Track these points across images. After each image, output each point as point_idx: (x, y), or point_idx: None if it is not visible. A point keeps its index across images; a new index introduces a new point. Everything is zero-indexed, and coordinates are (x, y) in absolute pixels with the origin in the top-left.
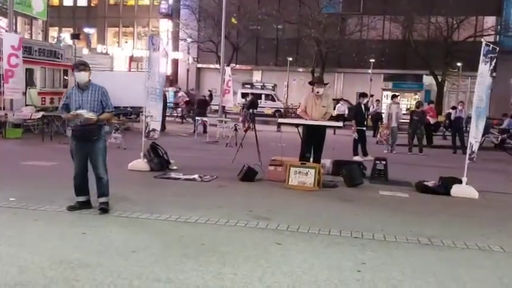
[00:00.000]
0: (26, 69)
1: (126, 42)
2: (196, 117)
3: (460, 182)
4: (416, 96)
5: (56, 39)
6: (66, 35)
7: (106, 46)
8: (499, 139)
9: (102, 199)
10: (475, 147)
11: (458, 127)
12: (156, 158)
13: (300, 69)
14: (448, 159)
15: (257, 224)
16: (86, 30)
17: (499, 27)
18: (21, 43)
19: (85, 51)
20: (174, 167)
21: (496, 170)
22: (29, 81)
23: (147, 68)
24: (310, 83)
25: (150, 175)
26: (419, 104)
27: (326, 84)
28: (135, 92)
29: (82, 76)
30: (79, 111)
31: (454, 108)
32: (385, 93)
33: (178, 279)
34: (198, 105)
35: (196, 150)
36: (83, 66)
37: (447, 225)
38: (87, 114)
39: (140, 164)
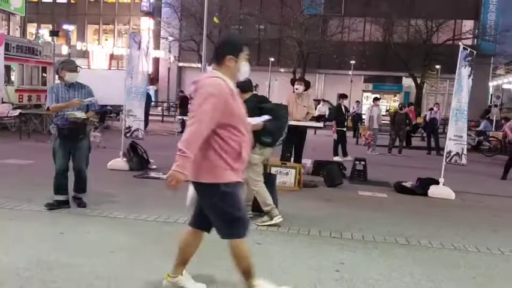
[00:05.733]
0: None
1: (107, 39)
2: (178, 117)
3: (437, 182)
4: (396, 98)
5: (34, 36)
6: (45, 32)
7: (86, 43)
8: (476, 141)
9: (81, 194)
10: (459, 150)
11: (433, 128)
12: (135, 157)
13: (282, 70)
14: (426, 160)
15: None
16: (66, 27)
17: (476, 31)
18: (3, 39)
19: (64, 48)
20: (154, 166)
21: (472, 171)
22: (6, 78)
23: (128, 66)
24: (292, 82)
25: (129, 174)
26: (402, 106)
27: (308, 83)
28: (114, 91)
29: (74, 76)
30: (71, 112)
31: (431, 109)
32: (365, 94)
33: (157, 280)
34: (181, 103)
35: (176, 149)
36: (75, 67)
37: (424, 225)
38: (80, 114)
39: (119, 163)
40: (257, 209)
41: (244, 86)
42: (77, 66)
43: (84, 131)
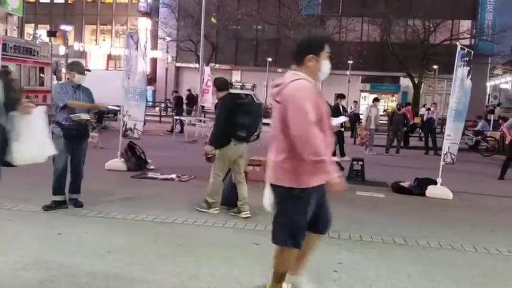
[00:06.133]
0: (1, 66)
1: (104, 40)
2: (175, 117)
3: (434, 182)
4: (394, 98)
5: (32, 36)
6: (42, 32)
7: (83, 44)
8: (474, 141)
9: (77, 195)
10: (452, 149)
11: (430, 128)
12: (133, 157)
13: (280, 70)
14: (424, 160)
15: (235, 224)
16: (63, 27)
17: (474, 31)
18: (1, 39)
19: (62, 49)
20: (152, 167)
21: (470, 171)
22: None
23: (126, 66)
24: None
25: (127, 175)
26: (400, 107)
27: None
28: (112, 91)
29: (82, 79)
30: (77, 114)
31: (429, 109)
32: (363, 94)
33: (154, 280)
34: (176, 103)
35: (174, 149)
36: (84, 69)
37: (422, 225)
38: (84, 116)
39: (117, 163)
40: (226, 202)
41: (221, 85)
42: (85, 69)
43: (88, 131)
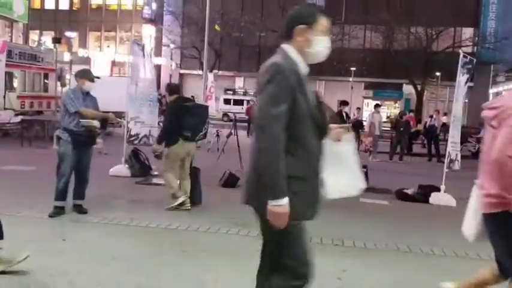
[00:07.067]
0: (6, 72)
1: (108, 46)
2: None
3: (438, 190)
4: (396, 105)
5: (36, 43)
6: (47, 39)
7: (87, 50)
8: (476, 148)
9: (82, 201)
10: (453, 156)
11: (433, 135)
12: (137, 163)
13: None
14: (427, 167)
15: (238, 231)
16: (68, 34)
17: (476, 38)
18: (6, 46)
19: (66, 55)
20: (156, 173)
21: (473, 178)
22: (8, 85)
23: (132, 73)
24: None
25: (131, 181)
26: (402, 115)
27: None
28: (116, 97)
29: (92, 86)
30: (89, 120)
31: (432, 116)
32: (366, 101)
33: (158, 286)
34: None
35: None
36: (93, 77)
37: (426, 233)
38: (96, 122)
39: (121, 169)
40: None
41: (170, 90)
42: (95, 77)
43: (95, 138)
